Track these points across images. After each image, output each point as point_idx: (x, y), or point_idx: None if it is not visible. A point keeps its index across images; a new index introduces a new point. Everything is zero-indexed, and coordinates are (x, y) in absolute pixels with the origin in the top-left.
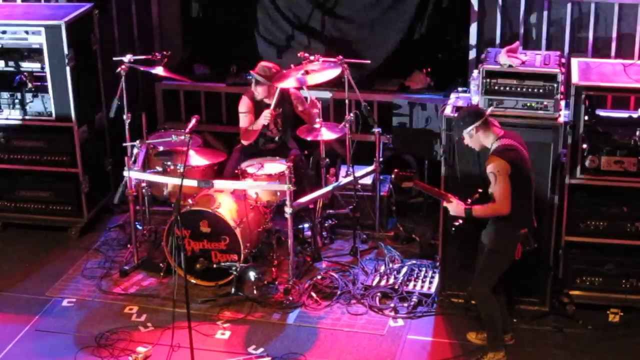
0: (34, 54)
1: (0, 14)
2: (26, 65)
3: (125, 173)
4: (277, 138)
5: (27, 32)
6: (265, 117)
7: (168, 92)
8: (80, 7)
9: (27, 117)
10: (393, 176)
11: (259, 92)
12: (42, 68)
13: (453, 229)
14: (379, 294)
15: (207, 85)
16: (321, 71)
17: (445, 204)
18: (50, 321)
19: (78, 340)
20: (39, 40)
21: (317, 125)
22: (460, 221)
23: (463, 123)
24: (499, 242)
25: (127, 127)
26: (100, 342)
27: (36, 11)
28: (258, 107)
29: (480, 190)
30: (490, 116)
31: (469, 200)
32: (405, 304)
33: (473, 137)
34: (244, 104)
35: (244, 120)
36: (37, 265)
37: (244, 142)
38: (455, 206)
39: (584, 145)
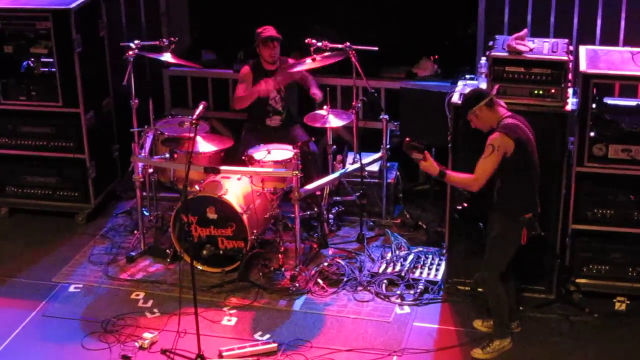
0: (41, 39)
1: None
2: (33, 51)
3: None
4: (281, 108)
5: (34, 18)
6: (264, 84)
7: (175, 78)
8: None
9: (34, 103)
10: (404, 144)
11: (276, 54)
12: (50, 54)
13: (456, 214)
14: (385, 281)
15: (214, 71)
16: (328, 57)
17: (421, 162)
18: (57, 307)
19: (84, 326)
20: (46, 25)
21: (322, 112)
22: (465, 204)
23: (468, 104)
24: (504, 227)
25: (134, 113)
26: (106, 328)
27: None
28: (258, 76)
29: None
30: (495, 96)
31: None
32: (412, 291)
33: (479, 117)
34: (243, 71)
35: (238, 87)
36: (43, 251)
37: (236, 107)
38: (429, 165)
39: (592, 134)
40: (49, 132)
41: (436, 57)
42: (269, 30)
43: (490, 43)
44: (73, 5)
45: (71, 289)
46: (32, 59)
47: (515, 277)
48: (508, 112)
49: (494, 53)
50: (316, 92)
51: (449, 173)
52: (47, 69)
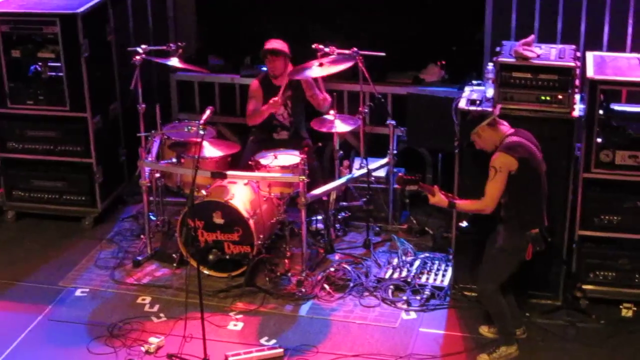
0: (48, 43)
1: (16, 3)
2: (41, 55)
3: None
4: (289, 124)
5: (42, 22)
6: (272, 104)
7: (182, 83)
8: None
9: (41, 107)
10: (397, 179)
11: (277, 66)
12: (57, 58)
13: (458, 231)
14: (391, 286)
15: (221, 76)
16: (335, 63)
17: (429, 197)
18: (63, 311)
19: (91, 330)
20: (54, 30)
21: (329, 117)
22: (466, 223)
23: (471, 125)
24: (510, 241)
25: (141, 117)
26: (112, 332)
27: (51, 1)
28: (267, 91)
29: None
30: (498, 116)
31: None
32: (418, 297)
33: (482, 138)
34: (252, 87)
35: (249, 103)
36: (50, 255)
37: (248, 123)
38: (437, 199)
39: (599, 140)
40: (56, 136)
41: (443, 62)
42: (270, 43)
43: (498, 49)
44: (81, 10)
45: (77, 293)
46: (40, 64)
47: (519, 284)
48: (511, 129)
49: (501, 59)
50: (317, 94)
51: (459, 203)
52: (54, 74)
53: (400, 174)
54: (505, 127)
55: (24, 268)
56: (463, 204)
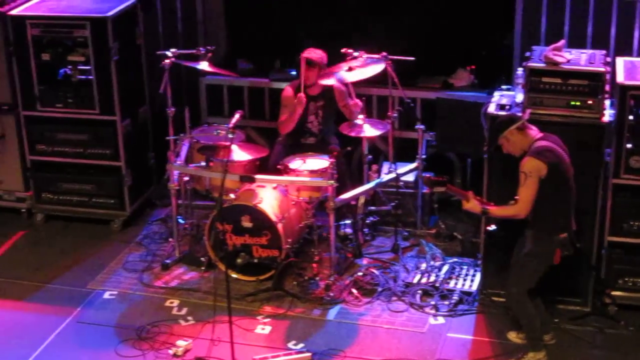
0: (78, 47)
1: (46, 7)
2: (71, 59)
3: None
4: (317, 132)
5: (72, 26)
6: (299, 102)
7: (211, 86)
8: (125, 2)
9: (71, 110)
10: (424, 181)
11: (309, 76)
12: (87, 61)
13: (486, 235)
14: (419, 291)
15: (250, 80)
16: (364, 67)
17: (463, 203)
18: (92, 313)
19: (119, 333)
20: (84, 33)
21: (359, 122)
22: (494, 226)
23: (499, 128)
24: (538, 246)
25: (170, 121)
26: (141, 335)
27: (81, 5)
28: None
29: (517, 197)
30: (527, 121)
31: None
32: (446, 302)
33: (510, 142)
34: (284, 95)
35: (281, 112)
36: (79, 258)
37: (281, 132)
38: (471, 205)
39: (629, 145)
40: (86, 139)
41: (473, 67)
42: (308, 52)
43: (527, 54)
44: (111, 13)
45: (106, 295)
46: (70, 67)
47: (547, 289)
48: (540, 133)
49: (531, 64)
50: (349, 104)
51: (492, 209)
52: (84, 77)
53: (427, 175)
54: (534, 131)
55: (52, 270)
56: (496, 210)
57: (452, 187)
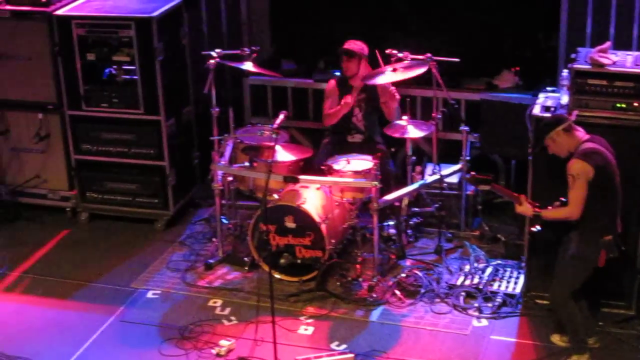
0: (123, 47)
1: (92, 7)
2: (115, 58)
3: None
4: (363, 127)
5: (117, 26)
6: (344, 105)
7: (255, 87)
8: (170, 2)
9: (115, 110)
10: (469, 178)
11: (350, 67)
12: (132, 61)
13: (531, 235)
14: (463, 293)
15: (294, 80)
16: (409, 68)
17: (516, 206)
18: (135, 312)
19: (162, 332)
20: (129, 33)
21: (402, 122)
22: (539, 227)
23: (545, 129)
24: (583, 248)
25: (214, 121)
26: (184, 335)
27: (126, 5)
28: (342, 91)
29: (562, 199)
30: (573, 122)
31: (550, 208)
32: (490, 304)
33: (556, 142)
34: (328, 86)
35: (325, 102)
36: (122, 257)
37: (325, 124)
38: (523, 208)
39: None
40: (130, 139)
41: (517, 69)
42: (348, 44)
43: (573, 55)
44: (155, 13)
45: (149, 294)
46: (115, 67)
47: (595, 292)
48: (587, 135)
49: (576, 65)
50: (390, 102)
51: (545, 212)
52: (129, 77)
53: (472, 173)
54: (580, 133)
55: (96, 269)
56: (548, 213)
57: (498, 186)
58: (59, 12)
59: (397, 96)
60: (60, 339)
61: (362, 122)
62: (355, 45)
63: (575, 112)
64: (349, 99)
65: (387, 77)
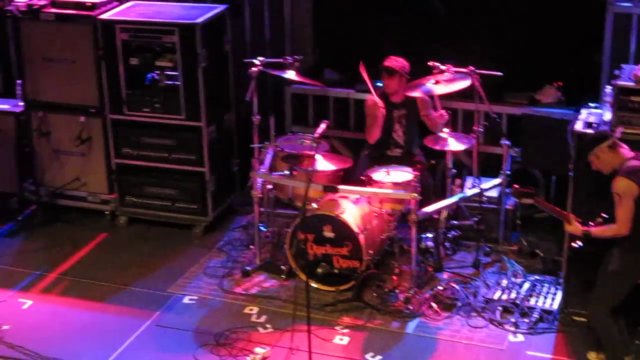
0: (166, 53)
1: (135, 12)
2: (158, 64)
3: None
4: (403, 142)
5: (161, 31)
6: (380, 111)
7: (297, 95)
8: (214, 9)
9: (157, 115)
10: (512, 191)
11: (390, 85)
12: (175, 67)
13: (571, 251)
14: (500, 307)
15: (336, 90)
16: (451, 81)
17: (565, 224)
18: (171, 317)
19: (198, 338)
20: (172, 39)
21: (443, 135)
22: (580, 243)
23: (590, 145)
24: (624, 265)
25: (255, 128)
26: (219, 341)
27: (171, 11)
28: (385, 106)
29: (604, 215)
30: (618, 139)
31: (591, 223)
32: (526, 320)
33: (600, 159)
34: (367, 104)
35: (367, 120)
36: (160, 262)
37: (369, 140)
38: (573, 228)
39: None
40: (171, 144)
41: (560, 84)
42: (389, 60)
43: (616, 72)
44: (199, 20)
45: (186, 300)
46: (157, 72)
47: (632, 309)
48: (631, 153)
49: (620, 82)
50: (431, 114)
51: (594, 230)
52: (171, 82)
53: (515, 185)
54: (625, 150)
55: (133, 273)
56: (598, 232)
57: (542, 201)
58: (104, 16)
59: (446, 115)
60: (96, 341)
61: (403, 138)
62: (396, 62)
63: (620, 129)
64: (380, 103)
65: (431, 88)
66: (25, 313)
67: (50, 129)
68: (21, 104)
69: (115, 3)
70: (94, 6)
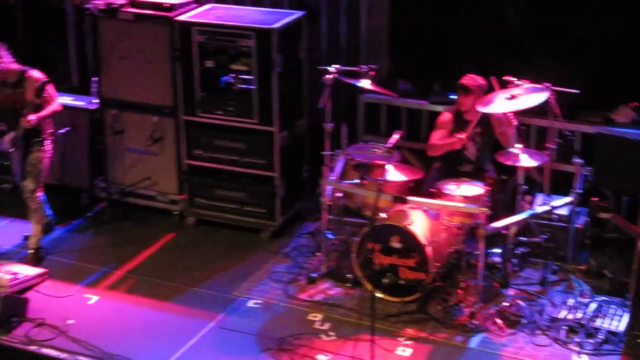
0: (242, 56)
1: (213, 15)
2: (233, 67)
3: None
4: (474, 159)
5: (237, 35)
6: (458, 141)
7: (370, 105)
8: (291, 15)
9: (230, 118)
10: (590, 204)
11: (465, 103)
12: (249, 71)
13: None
14: (565, 327)
15: (409, 101)
16: (526, 97)
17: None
18: (235, 320)
19: (260, 342)
20: (248, 43)
21: (515, 150)
22: None
23: None
24: None
25: (327, 136)
26: (281, 346)
27: (248, 15)
28: (457, 124)
29: None
30: None
31: None
32: (591, 340)
33: None
34: (442, 118)
35: (435, 133)
36: (226, 264)
37: (429, 153)
38: None
39: None
40: (242, 147)
41: (636, 104)
42: (466, 78)
43: None
44: (276, 25)
45: (250, 303)
46: (232, 75)
47: None
48: None
49: None
50: (506, 131)
51: None
52: (245, 86)
53: (594, 198)
54: None
55: (199, 274)
56: None
57: (621, 218)
58: (181, 17)
59: (514, 122)
60: (159, 340)
61: (475, 155)
62: (472, 80)
63: None
64: (462, 135)
65: (504, 106)
66: (91, 308)
67: (123, 127)
68: (96, 101)
69: (194, 5)
70: (172, 7)
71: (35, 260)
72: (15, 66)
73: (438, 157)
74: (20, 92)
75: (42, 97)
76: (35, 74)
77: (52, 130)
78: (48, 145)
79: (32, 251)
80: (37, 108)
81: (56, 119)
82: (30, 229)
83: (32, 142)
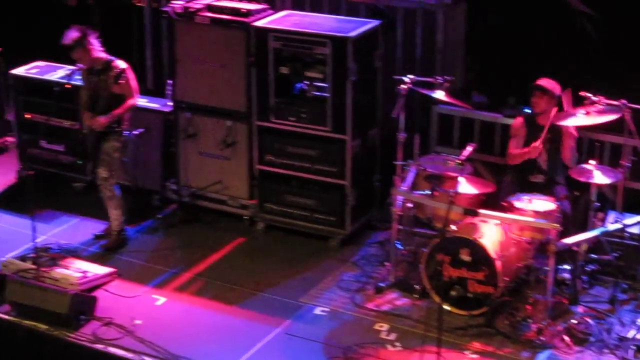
0: (317, 64)
1: (290, 22)
2: (308, 74)
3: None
4: (546, 168)
5: (313, 42)
6: (532, 149)
7: (444, 116)
8: (367, 24)
9: (302, 125)
10: None
11: (539, 104)
12: (324, 78)
13: None
14: (633, 347)
15: (483, 114)
16: (602, 113)
17: None
18: (301, 327)
19: (326, 350)
20: (323, 51)
21: (589, 167)
22: None
23: None
24: None
25: (400, 146)
26: (347, 355)
27: (324, 23)
28: (530, 130)
29: None
30: None
31: None
32: None
33: None
34: (515, 125)
35: (511, 141)
36: (294, 271)
37: (509, 162)
38: None
39: None
40: (314, 155)
41: None
42: (542, 80)
43: None
44: (352, 34)
45: (317, 311)
46: (306, 82)
47: None
48: None
49: None
50: (572, 147)
51: None
52: (319, 93)
53: None
54: None
55: (267, 279)
56: None
57: None
58: (258, 23)
59: (576, 134)
60: (225, 343)
61: (546, 162)
62: (548, 83)
63: None
64: (537, 144)
65: (579, 120)
66: (158, 309)
67: (196, 131)
68: (170, 103)
69: (270, 11)
70: (249, 13)
71: (117, 243)
72: (103, 55)
73: (510, 169)
74: (104, 80)
75: (119, 84)
76: (121, 63)
77: (129, 126)
78: (124, 138)
79: (114, 233)
80: (117, 99)
81: (131, 120)
82: (109, 215)
83: (110, 131)
